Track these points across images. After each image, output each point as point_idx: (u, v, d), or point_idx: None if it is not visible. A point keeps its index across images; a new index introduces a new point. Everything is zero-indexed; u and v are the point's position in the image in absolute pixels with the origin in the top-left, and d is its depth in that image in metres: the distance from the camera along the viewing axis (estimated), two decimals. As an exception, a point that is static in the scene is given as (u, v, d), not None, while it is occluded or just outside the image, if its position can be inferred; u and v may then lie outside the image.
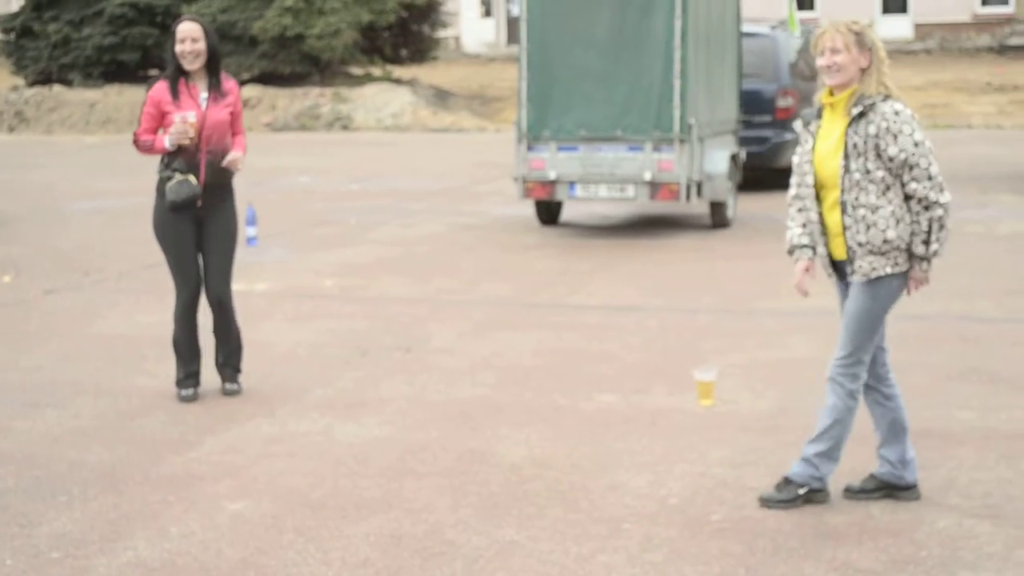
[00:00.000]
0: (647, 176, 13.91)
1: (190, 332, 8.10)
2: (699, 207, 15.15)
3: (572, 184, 14.23)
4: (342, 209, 17.11)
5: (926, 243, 5.83)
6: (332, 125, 32.16)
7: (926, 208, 5.82)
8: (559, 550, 5.58)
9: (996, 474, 6.42)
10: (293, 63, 34.26)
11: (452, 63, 44.26)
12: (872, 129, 5.77)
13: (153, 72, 36.59)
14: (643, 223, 15.53)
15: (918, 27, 45.46)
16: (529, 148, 14.33)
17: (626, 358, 8.91)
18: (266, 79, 34.21)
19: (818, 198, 5.99)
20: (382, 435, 7.27)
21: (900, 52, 43.34)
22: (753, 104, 17.08)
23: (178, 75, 7.91)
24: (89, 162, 24.94)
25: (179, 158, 7.83)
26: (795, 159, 6.12)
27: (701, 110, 14.21)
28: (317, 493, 6.34)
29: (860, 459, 6.42)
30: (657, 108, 13.86)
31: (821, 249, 6.04)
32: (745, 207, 15.94)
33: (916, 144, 5.79)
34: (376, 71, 36.36)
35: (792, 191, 6.15)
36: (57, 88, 34.98)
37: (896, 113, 5.79)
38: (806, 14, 40.17)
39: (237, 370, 8.21)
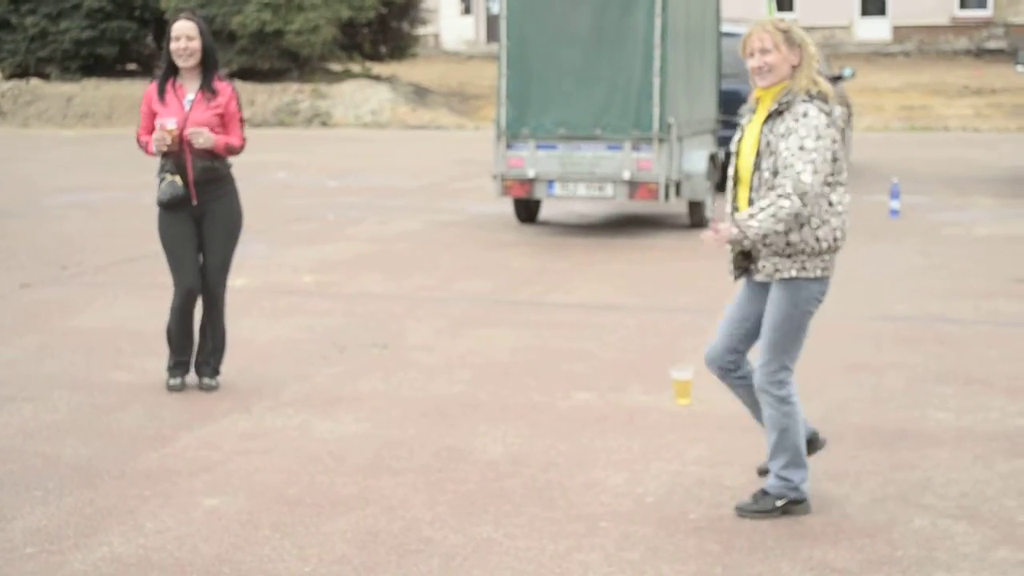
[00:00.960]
0: (626, 175, 13.92)
1: (185, 325, 8.15)
2: (677, 206, 15.17)
3: (551, 182, 14.23)
4: (320, 205, 17.08)
5: (752, 215, 5.65)
6: (311, 121, 32.12)
7: (779, 196, 5.61)
8: (536, 548, 5.58)
9: (972, 474, 6.44)
10: (272, 59, 34.17)
11: (431, 60, 44.22)
12: (781, 128, 5.72)
13: (131, 66, 36.49)
14: (622, 222, 15.54)
15: (896, 29, 45.59)
16: (508, 146, 14.32)
17: (603, 356, 8.91)
18: (245, 74, 34.10)
19: (736, 193, 5.94)
20: (359, 432, 7.26)
21: (878, 54, 43.47)
22: (732, 104, 17.00)
23: (169, 74, 7.91)
24: (67, 156, 24.85)
25: (169, 159, 7.88)
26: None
27: (680, 109, 14.23)
28: (293, 489, 6.33)
29: (836, 459, 6.44)
30: (636, 107, 13.87)
31: (727, 245, 5.90)
32: (723, 207, 15.96)
33: (802, 148, 5.64)
34: (355, 67, 36.31)
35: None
36: (34, 81, 34.83)
37: (804, 115, 5.70)
38: (785, 15, 40.25)
39: (216, 370, 8.21)
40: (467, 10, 51.24)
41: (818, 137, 5.66)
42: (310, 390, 8.13)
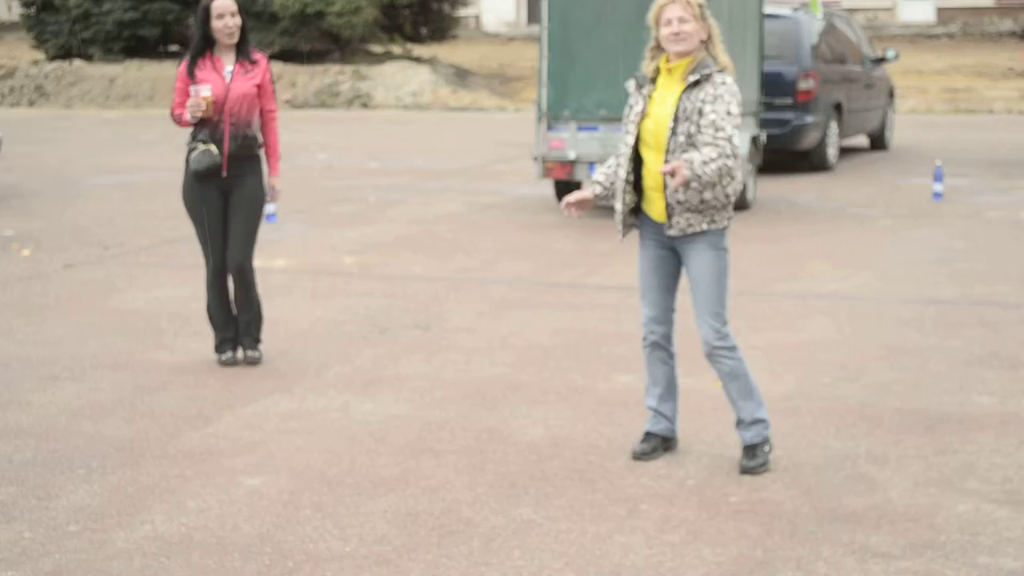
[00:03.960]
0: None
1: (220, 298, 8.23)
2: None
3: (592, 164, 14.18)
4: (361, 187, 17.10)
5: (704, 162, 5.93)
6: (352, 103, 32.16)
7: (719, 155, 5.95)
8: (576, 530, 5.58)
9: (1016, 459, 6.40)
10: (313, 40, 34.24)
11: (472, 42, 44.16)
12: (702, 95, 6.05)
13: (173, 47, 36.61)
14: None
15: (940, 11, 45.26)
16: (549, 128, 14.29)
17: (644, 339, 8.88)
18: (286, 56, 34.19)
19: (639, 159, 6.21)
20: (400, 413, 7.27)
21: (922, 36, 43.16)
22: (774, 86, 17.01)
23: (203, 49, 7.96)
24: (109, 137, 24.97)
25: (204, 129, 7.93)
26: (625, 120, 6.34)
27: (722, 91, 14.14)
28: (334, 470, 6.35)
29: (878, 443, 6.38)
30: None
31: (619, 205, 6.25)
32: (765, 190, 15.91)
33: (729, 113, 6.03)
34: (396, 49, 36.33)
35: (621, 147, 6.30)
36: (77, 63, 35.02)
37: (723, 83, 6.08)
38: (828, -3, 39.97)
39: (257, 339, 8.29)
40: (508, -8, 51.11)
41: (738, 103, 6.10)
42: (351, 371, 8.15)
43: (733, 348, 6.26)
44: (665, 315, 6.41)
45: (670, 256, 6.31)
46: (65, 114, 31.45)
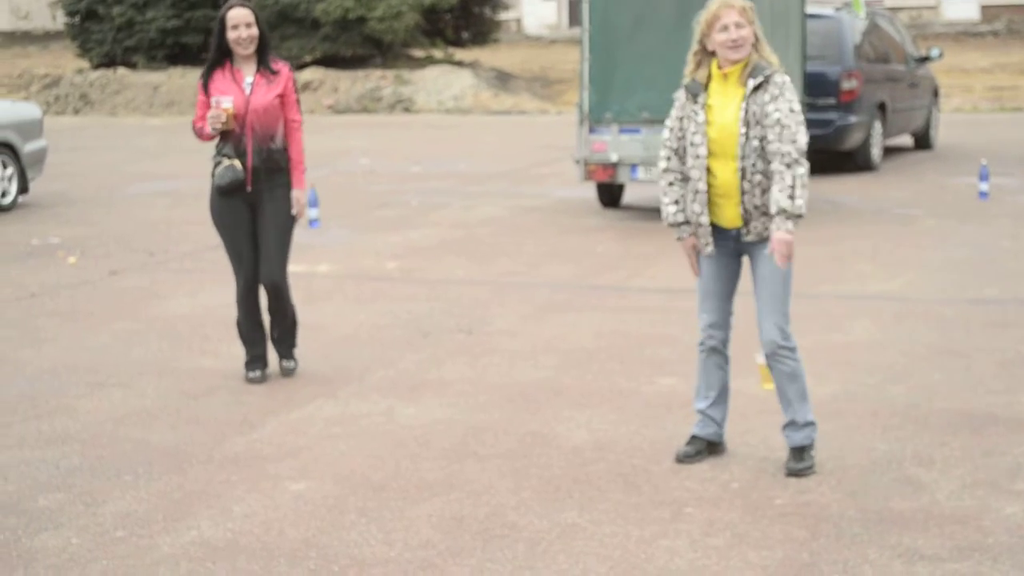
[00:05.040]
0: (709, 159, 13.81)
1: (251, 314, 8.14)
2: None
3: (634, 166, 14.17)
4: (403, 191, 17.13)
5: (791, 197, 5.98)
6: (394, 107, 32.21)
7: (788, 166, 5.99)
8: (621, 533, 5.57)
9: (1064, 461, 6.35)
10: (355, 45, 34.29)
11: (514, 45, 44.18)
12: (766, 97, 6.05)
13: (216, 55, 36.69)
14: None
15: (985, 8, 44.96)
16: (591, 130, 14.28)
17: (688, 341, 8.84)
18: (328, 61, 34.27)
19: (707, 169, 6.18)
20: (444, 417, 7.28)
21: (967, 34, 42.89)
22: (817, 86, 16.93)
23: (220, 61, 7.89)
24: (153, 144, 25.11)
25: (228, 143, 7.85)
26: (665, 132, 6.31)
27: (765, 92, 14.09)
28: (379, 474, 6.36)
29: (924, 444, 6.35)
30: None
31: (705, 219, 6.20)
32: (809, 190, 15.81)
33: (792, 111, 6.03)
34: (438, 53, 36.36)
35: (662, 164, 6.31)
36: (121, 71, 35.21)
37: (783, 83, 6.09)
38: (871, -4, 39.78)
39: (292, 346, 8.23)
40: (549, -5, 51.12)
41: (799, 102, 6.25)
42: (395, 375, 8.16)
43: (795, 349, 6.27)
44: (724, 320, 6.43)
45: (733, 262, 6.32)
46: (110, 122, 31.65)
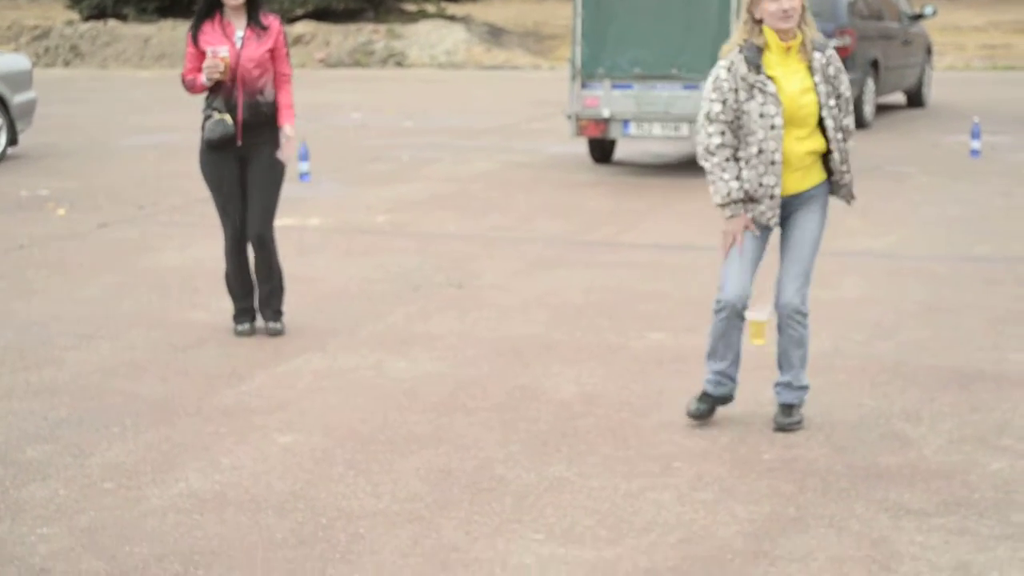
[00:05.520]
0: (702, 115, 13.78)
1: (239, 268, 8.10)
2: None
3: (626, 122, 14.15)
4: (395, 146, 17.09)
5: (845, 171, 6.24)
6: (386, 62, 32.11)
7: (844, 140, 6.22)
8: (609, 487, 5.57)
9: (1051, 417, 6.36)
10: (347, -1, 34.18)
11: (507, 0, 44.02)
12: (832, 71, 6.14)
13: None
14: (697, 162, 15.41)
15: (979, -34, 44.79)
16: (583, 86, 14.24)
17: (678, 296, 8.87)
18: (320, 15, 34.14)
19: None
20: (433, 371, 7.27)
21: (960, -8, 42.77)
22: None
23: (210, 12, 7.82)
24: (143, 97, 25.02)
25: (218, 97, 7.80)
26: (716, 106, 6.06)
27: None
28: (367, 427, 6.36)
29: (912, 400, 6.35)
30: (712, 46, 13.64)
31: (779, 190, 6.10)
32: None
33: (849, 86, 6.26)
34: (430, 8, 36.24)
35: (716, 140, 6.09)
36: (112, 23, 35.06)
37: (838, 58, 6.22)
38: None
39: (278, 311, 8.14)
40: (542, -51, 50.88)
41: None
42: (384, 329, 8.16)
43: (807, 315, 6.26)
44: (749, 286, 6.23)
45: (767, 234, 6.24)
46: (100, 74, 31.53)
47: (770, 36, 6.04)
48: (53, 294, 9.20)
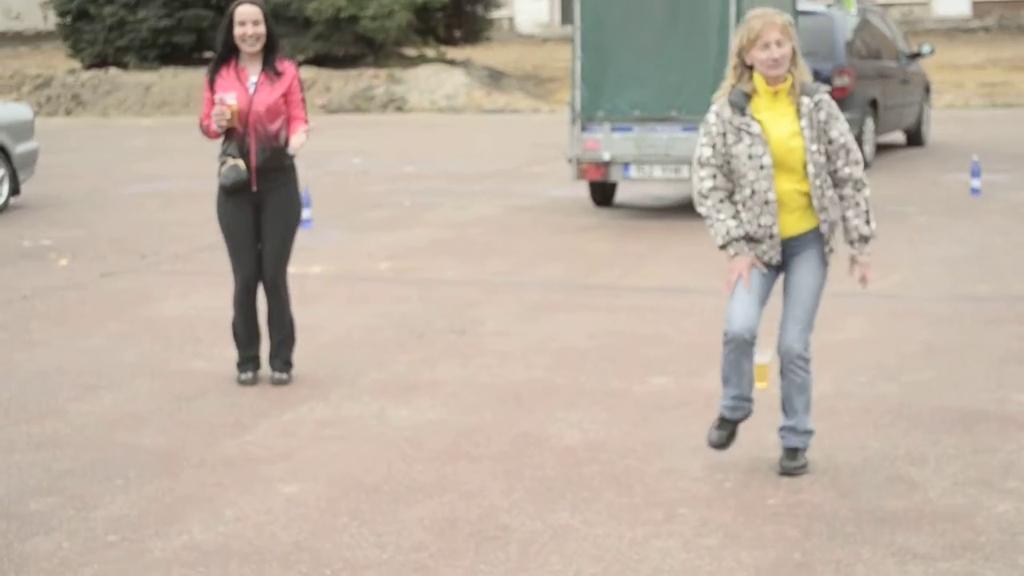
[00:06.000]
0: (702, 157, 13.80)
1: (247, 316, 8.09)
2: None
3: (626, 165, 14.17)
4: (396, 191, 17.12)
5: (868, 223, 6.19)
6: (386, 106, 32.20)
7: (858, 190, 6.19)
8: (614, 535, 5.56)
9: (1056, 458, 6.35)
10: (347, 44, 34.29)
11: (506, 44, 44.14)
12: (822, 116, 6.10)
13: (208, 54, 36.66)
14: (698, 204, 15.42)
15: (976, 5, 44.98)
16: (583, 129, 14.28)
17: (680, 341, 8.87)
18: (320, 61, 34.24)
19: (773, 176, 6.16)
20: (436, 418, 7.27)
21: (958, 30, 42.91)
22: (809, 83, 16.91)
23: (227, 57, 7.87)
24: (144, 145, 25.08)
25: (232, 143, 7.82)
26: (706, 151, 6.14)
27: (756, 90, 14.08)
28: (371, 477, 6.35)
29: (916, 442, 6.34)
30: (712, 88, 13.59)
31: (777, 228, 6.14)
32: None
33: (847, 131, 6.17)
34: (430, 52, 36.34)
35: (708, 183, 6.14)
36: (113, 71, 35.17)
37: (833, 103, 6.17)
38: (862, -8, 39.77)
39: (288, 362, 8.12)
40: (541, -7, 51.11)
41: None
42: (387, 377, 8.15)
43: (809, 361, 6.23)
44: (756, 318, 6.20)
45: (773, 272, 6.27)
46: (101, 122, 31.60)
47: (759, 80, 6.10)
48: (55, 345, 9.20)
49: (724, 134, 6.10)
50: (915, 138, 20.76)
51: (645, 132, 14.02)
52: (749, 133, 6.06)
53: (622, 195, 15.74)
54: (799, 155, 6.06)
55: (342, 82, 33.02)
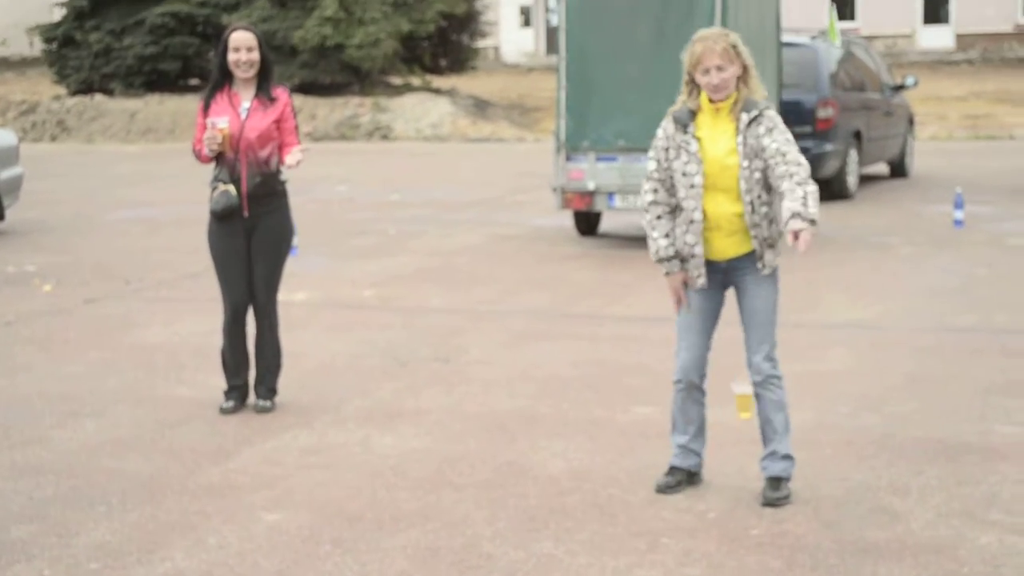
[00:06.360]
0: (686, 187, 13.83)
1: (236, 344, 8.07)
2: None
3: (611, 194, 14.19)
4: (381, 219, 17.13)
5: (804, 204, 5.82)
6: (372, 135, 32.24)
7: (799, 184, 5.90)
8: (597, 564, 5.56)
9: (1038, 490, 6.36)
10: (333, 73, 34.35)
11: (491, 73, 44.29)
12: (760, 131, 6.10)
13: (194, 81, 36.74)
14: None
15: (960, 37, 45.26)
16: (568, 158, 14.30)
17: (663, 370, 8.83)
18: (306, 88, 34.30)
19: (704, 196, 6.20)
20: (420, 446, 7.26)
21: (942, 63, 43.16)
22: (793, 115, 16.93)
23: (221, 83, 7.89)
24: (130, 171, 25.07)
25: (223, 168, 7.83)
26: (651, 164, 6.28)
27: (741, 121, 14.13)
28: (354, 505, 6.34)
29: (899, 473, 6.35)
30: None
31: (699, 249, 6.21)
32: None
33: (788, 140, 6.08)
34: (415, 81, 36.43)
35: (648, 197, 6.28)
36: (98, 97, 35.19)
37: (775, 118, 6.15)
38: (847, 24, 40.04)
39: (272, 390, 8.11)
40: (527, 23, 51.34)
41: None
42: (371, 405, 8.14)
43: (782, 378, 6.31)
44: (704, 357, 6.42)
45: (718, 295, 6.34)
46: (86, 149, 31.59)
47: (703, 97, 6.19)
48: (39, 371, 9.18)
49: (667, 149, 6.23)
50: (899, 169, 20.84)
51: (630, 162, 14.03)
52: (687, 151, 6.17)
53: (607, 225, 15.77)
54: (734, 173, 6.10)
55: (328, 110, 33.07)
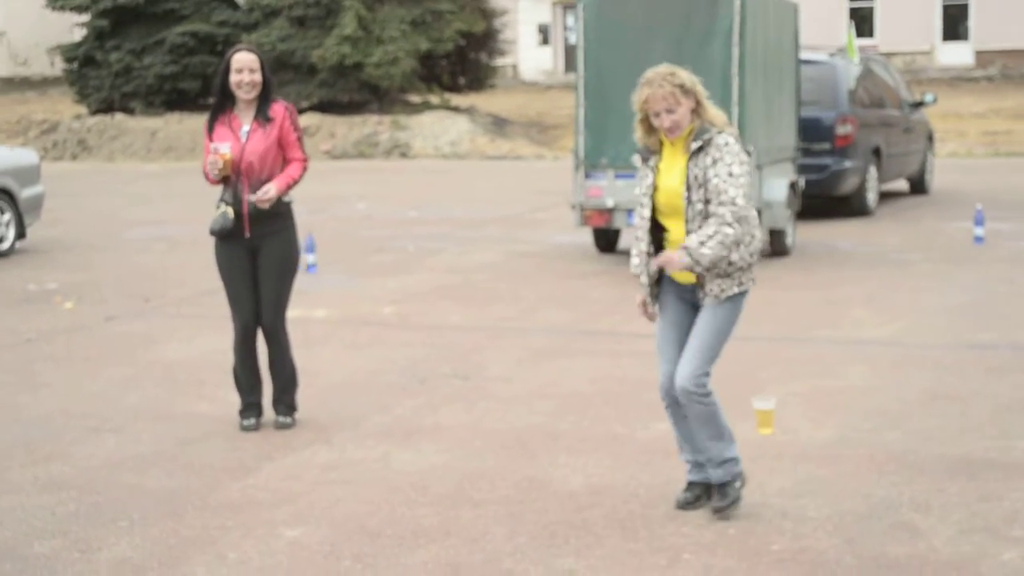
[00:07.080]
0: (705, 204, 13.83)
1: (247, 362, 8.09)
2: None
3: (630, 211, 14.16)
4: (400, 236, 17.15)
5: (702, 243, 5.99)
6: (390, 153, 32.29)
7: (719, 226, 6.00)
8: (617, 580, 5.55)
9: (1060, 506, 6.34)
10: (352, 91, 34.43)
11: (510, 91, 44.33)
12: (708, 160, 6.11)
13: (213, 100, 36.78)
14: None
15: (979, 54, 45.18)
16: (587, 176, 14.31)
17: (684, 386, 8.85)
18: (325, 107, 34.39)
19: (662, 228, 6.28)
20: (440, 463, 7.27)
21: (961, 79, 43.07)
22: (812, 132, 16.98)
23: (222, 105, 7.91)
24: (150, 189, 25.15)
25: (228, 190, 7.86)
26: (637, 190, 6.41)
27: (759, 137, 14.15)
28: (374, 521, 6.34)
29: (921, 490, 6.34)
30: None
31: (645, 279, 6.33)
32: (804, 235, 15.86)
33: (731, 175, 6.05)
34: (434, 99, 36.48)
35: (636, 217, 6.43)
36: (119, 116, 35.33)
37: (725, 144, 6.12)
38: (865, 41, 40.00)
39: (291, 406, 8.12)
40: (545, 41, 51.40)
41: (741, 163, 6.11)
42: (391, 421, 8.15)
43: (708, 394, 6.25)
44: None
45: (690, 311, 6.35)
46: (107, 167, 31.71)
47: (660, 133, 6.26)
48: (60, 388, 9.21)
49: (641, 178, 6.36)
50: (918, 186, 20.81)
51: (649, 179, 14.01)
52: (644, 183, 6.29)
53: (625, 241, 15.76)
54: (681, 204, 6.17)
55: (346, 128, 33.14)
